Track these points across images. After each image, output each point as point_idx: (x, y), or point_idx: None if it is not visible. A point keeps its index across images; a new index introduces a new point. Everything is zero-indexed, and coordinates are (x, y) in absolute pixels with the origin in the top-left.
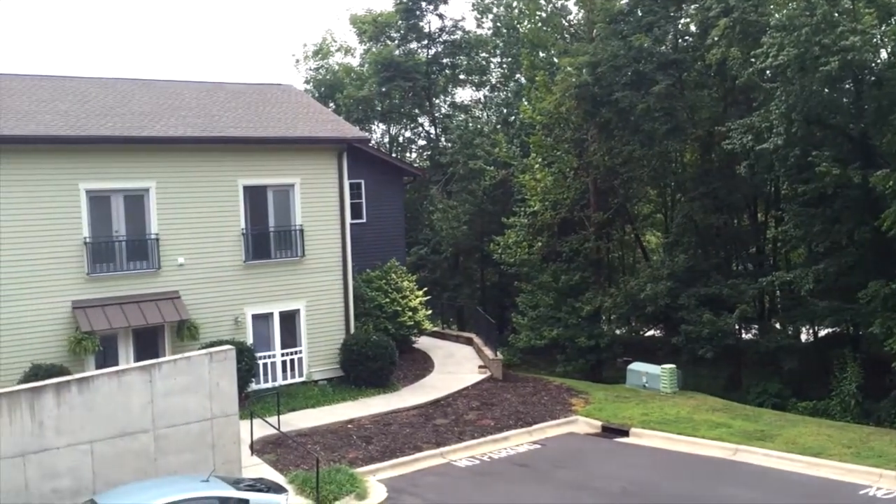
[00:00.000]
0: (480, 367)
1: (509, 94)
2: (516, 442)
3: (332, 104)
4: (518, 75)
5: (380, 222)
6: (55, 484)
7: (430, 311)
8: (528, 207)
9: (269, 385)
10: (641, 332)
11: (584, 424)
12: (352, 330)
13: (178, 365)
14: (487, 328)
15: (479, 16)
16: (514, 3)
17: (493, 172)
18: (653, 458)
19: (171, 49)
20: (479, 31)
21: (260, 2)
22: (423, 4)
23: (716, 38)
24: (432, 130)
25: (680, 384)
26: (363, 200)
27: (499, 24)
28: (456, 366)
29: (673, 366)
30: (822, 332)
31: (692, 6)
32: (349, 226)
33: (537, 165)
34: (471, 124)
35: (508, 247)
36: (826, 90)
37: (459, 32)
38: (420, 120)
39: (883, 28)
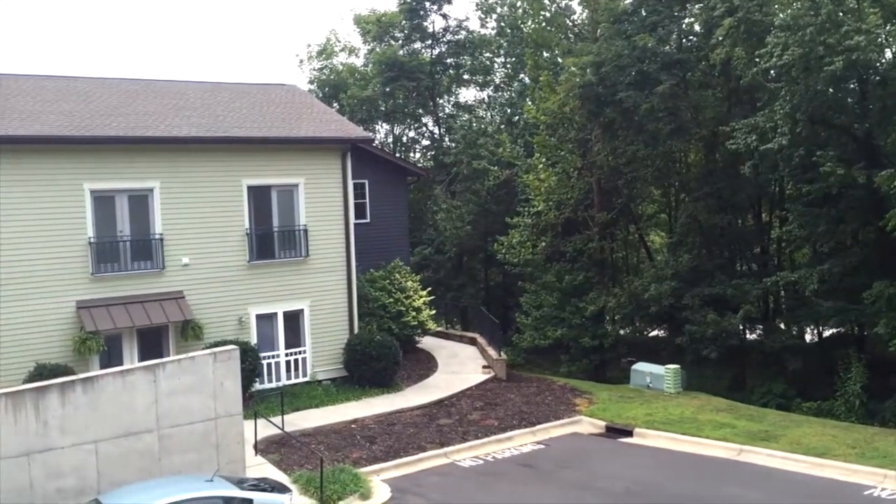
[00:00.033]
0: (484, 367)
1: (513, 94)
2: (520, 442)
3: (335, 104)
4: (522, 75)
5: (383, 222)
6: (60, 483)
7: (433, 311)
8: (531, 207)
9: (273, 385)
10: (645, 333)
11: (587, 424)
12: (356, 330)
13: (182, 365)
14: (491, 328)
15: (482, 16)
16: (518, 3)
17: (497, 172)
18: (657, 459)
19: (176, 49)
20: (483, 31)
21: (264, 2)
22: (427, 4)
23: (720, 38)
24: (436, 130)
25: (684, 384)
26: (367, 200)
27: (502, 23)
28: (460, 366)
29: (677, 366)
30: (827, 333)
31: (696, 6)
32: (353, 226)
33: (541, 165)
34: (474, 124)
35: (512, 247)
36: (830, 90)
37: (463, 32)
38: (424, 120)
39: (888, 28)
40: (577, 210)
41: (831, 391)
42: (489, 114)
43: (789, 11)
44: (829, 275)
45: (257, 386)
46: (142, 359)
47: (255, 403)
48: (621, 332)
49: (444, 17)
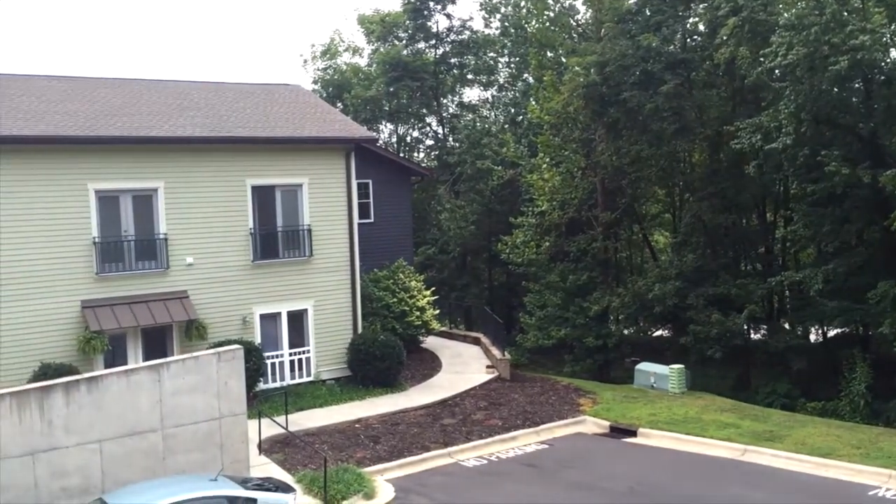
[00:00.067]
0: (488, 366)
1: (517, 94)
2: (524, 442)
3: (339, 104)
4: (526, 75)
5: (387, 222)
6: (64, 483)
7: (437, 311)
8: (535, 207)
9: (277, 384)
10: (649, 333)
11: (592, 424)
12: (359, 330)
13: (186, 364)
14: (495, 328)
15: (486, 15)
16: (522, 3)
17: (501, 172)
18: (661, 459)
19: (180, 49)
20: (487, 31)
21: (268, 2)
22: (431, 4)
23: (724, 38)
24: (440, 130)
25: (688, 384)
26: (371, 200)
27: (506, 23)
28: (463, 366)
29: (681, 366)
30: (832, 333)
31: (701, 5)
32: (357, 225)
33: (545, 165)
34: (478, 124)
35: (516, 246)
36: (835, 89)
37: (467, 32)
38: (428, 120)
39: (892, 27)
40: (581, 210)
41: (836, 391)
42: (493, 114)
43: (794, 11)
44: (833, 274)
45: (261, 385)
46: (146, 358)
47: (259, 403)
48: (625, 331)
49: (448, 16)
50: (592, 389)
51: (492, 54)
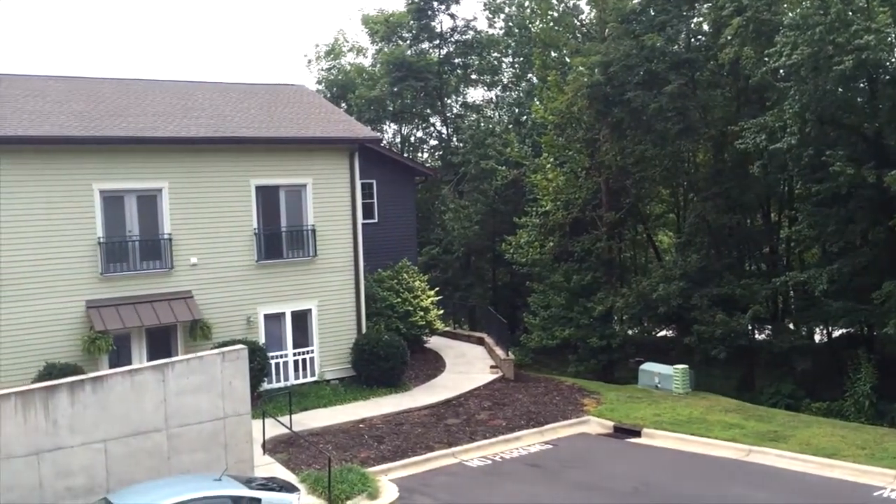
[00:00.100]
0: (492, 367)
1: (521, 94)
2: (528, 442)
3: (343, 104)
4: (530, 75)
5: (391, 222)
6: (69, 482)
7: (441, 311)
8: (539, 207)
9: (282, 384)
10: (654, 333)
11: (595, 425)
12: (363, 330)
13: (190, 364)
14: (499, 328)
15: (490, 16)
16: (526, 3)
17: (505, 172)
18: (665, 459)
19: (184, 50)
20: (491, 31)
21: (272, 2)
22: (435, 4)
23: (729, 38)
24: (444, 130)
25: (692, 385)
26: (375, 200)
27: (510, 23)
28: (467, 366)
29: (685, 366)
30: (836, 333)
31: (705, 5)
32: (361, 226)
33: (549, 165)
34: (482, 124)
35: (520, 246)
36: (840, 89)
37: (471, 32)
38: (432, 120)
39: None
40: (585, 210)
41: (840, 392)
42: (497, 114)
43: (798, 10)
44: (838, 275)
45: (265, 385)
46: (150, 358)
47: (264, 403)
48: (629, 332)
49: (452, 17)
50: (596, 390)
51: (496, 54)
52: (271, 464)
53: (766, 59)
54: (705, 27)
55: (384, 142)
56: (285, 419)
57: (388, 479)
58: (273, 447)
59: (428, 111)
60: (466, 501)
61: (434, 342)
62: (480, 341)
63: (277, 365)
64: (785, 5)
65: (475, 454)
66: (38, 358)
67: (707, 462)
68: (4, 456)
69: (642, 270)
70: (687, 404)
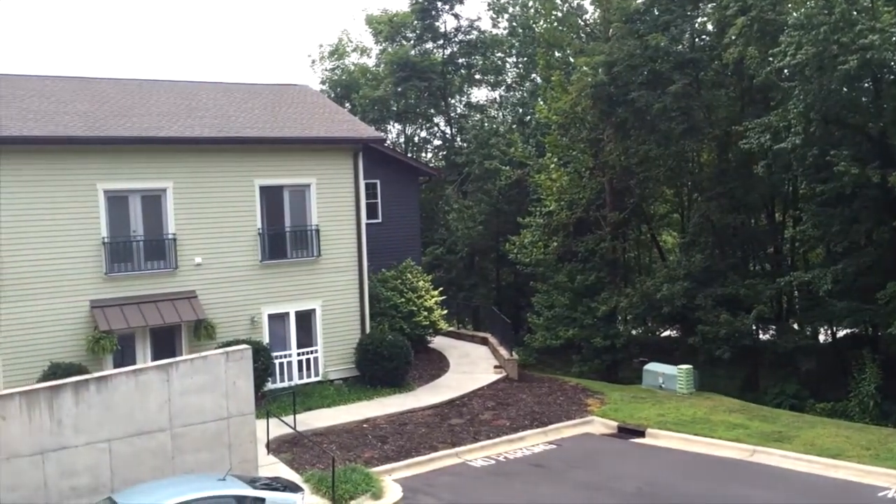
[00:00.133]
0: (496, 367)
1: (525, 94)
2: (532, 442)
3: (347, 104)
4: (534, 75)
5: (395, 222)
6: (73, 482)
7: (445, 311)
8: (543, 207)
9: (286, 384)
10: (658, 333)
11: (599, 425)
12: (367, 330)
13: (194, 364)
14: (503, 328)
15: (494, 15)
16: (530, 3)
17: (509, 172)
18: (669, 459)
19: (188, 50)
20: (495, 31)
21: (276, 2)
22: (439, 4)
23: (733, 37)
24: (448, 130)
25: (696, 385)
26: (379, 200)
27: (514, 23)
28: (471, 366)
29: (689, 366)
30: (841, 333)
31: (709, 5)
32: (365, 226)
33: (553, 165)
34: (486, 124)
35: (524, 247)
36: (844, 89)
37: (475, 32)
38: (436, 120)
39: None
40: (589, 210)
41: (845, 392)
42: (501, 114)
43: (803, 10)
44: (842, 275)
45: (269, 385)
46: (155, 358)
47: (268, 403)
48: (633, 332)
49: (456, 16)
50: (600, 390)
51: (500, 54)
52: (275, 463)
53: (771, 58)
54: (709, 27)
55: (388, 142)
56: (289, 419)
57: (391, 479)
58: (277, 447)
59: (432, 111)
60: (470, 501)
61: (438, 342)
62: (484, 341)
63: (281, 365)
64: (789, 5)
65: (479, 454)
66: (42, 358)
67: (711, 462)
68: (9, 455)
69: (646, 270)
70: (691, 404)
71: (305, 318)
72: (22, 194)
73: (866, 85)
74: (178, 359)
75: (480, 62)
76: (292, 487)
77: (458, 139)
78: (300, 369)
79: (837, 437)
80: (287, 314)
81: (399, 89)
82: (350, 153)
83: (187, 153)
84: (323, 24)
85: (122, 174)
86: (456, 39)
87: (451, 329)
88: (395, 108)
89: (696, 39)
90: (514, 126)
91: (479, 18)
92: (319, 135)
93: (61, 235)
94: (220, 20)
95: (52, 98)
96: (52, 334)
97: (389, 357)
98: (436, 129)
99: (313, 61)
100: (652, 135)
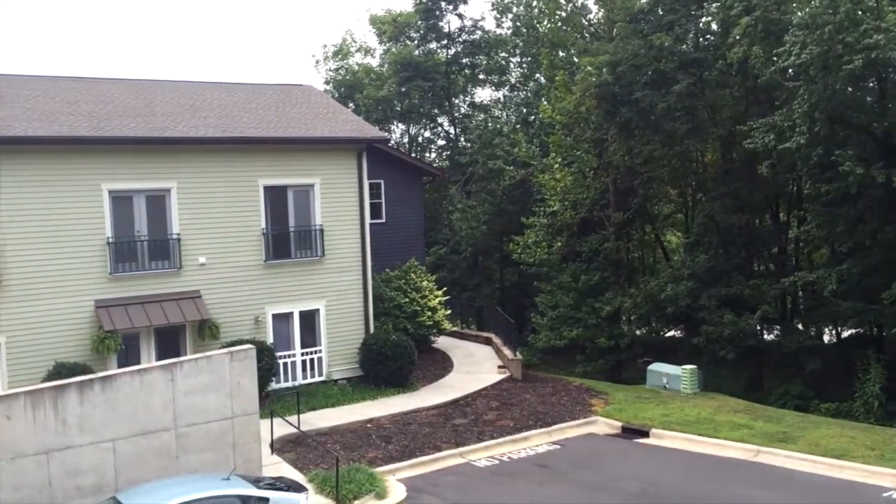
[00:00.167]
0: (500, 367)
1: (529, 94)
2: (536, 442)
3: (351, 104)
4: (538, 75)
5: (399, 222)
6: (78, 481)
7: (449, 311)
8: (547, 207)
9: (290, 384)
10: (662, 333)
11: (603, 425)
12: (371, 329)
13: (199, 364)
14: (507, 328)
15: (498, 15)
16: (534, 3)
17: (513, 172)
18: (673, 460)
19: (192, 50)
20: (499, 31)
21: (280, 2)
22: (443, 4)
23: (737, 37)
24: (452, 130)
25: (701, 385)
26: (383, 200)
27: (518, 23)
28: (475, 366)
29: (694, 366)
30: (846, 333)
31: (714, 5)
32: (369, 225)
33: (557, 165)
34: (490, 124)
35: (528, 247)
36: (849, 89)
37: (479, 32)
38: (439, 120)
39: None
40: (593, 210)
41: (850, 392)
42: (505, 114)
43: (807, 10)
44: (847, 275)
45: (273, 385)
46: (159, 358)
47: (272, 402)
48: (637, 332)
49: (460, 16)
50: (604, 390)
51: (503, 54)
52: (279, 463)
53: (775, 58)
54: (714, 26)
55: (392, 142)
56: (293, 419)
57: (395, 479)
58: (281, 447)
59: (436, 111)
60: (474, 501)
61: (442, 342)
62: (488, 341)
63: (285, 365)
64: (794, 4)
65: (483, 454)
66: (47, 357)
67: (715, 463)
68: (14, 455)
69: (650, 270)
70: (695, 405)
71: (309, 318)
72: (27, 194)
73: (871, 84)
74: (182, 358)
75: (484, 62)
76: (296, 487)
77: (462, 139)
78: (304, 369)
79: (842, 438)
80: (291, 314)
81: (403, 89)
82: (354, 153)
83: (191, 153)
84: (327, 25)
85: (126, 174)
86: (460, 39)
87: (454, 329)
88: (398, 108)
89: (701, 39)
90: (518, 126)
91: (482, 18)
92: (323, 135)
93: (66, 235)
94: (225, 20)
95: (57, 98)
96: (56, 334)
97: (393, 357)
98: (439, 129)
99: (317, 61)
100: (656, 135)
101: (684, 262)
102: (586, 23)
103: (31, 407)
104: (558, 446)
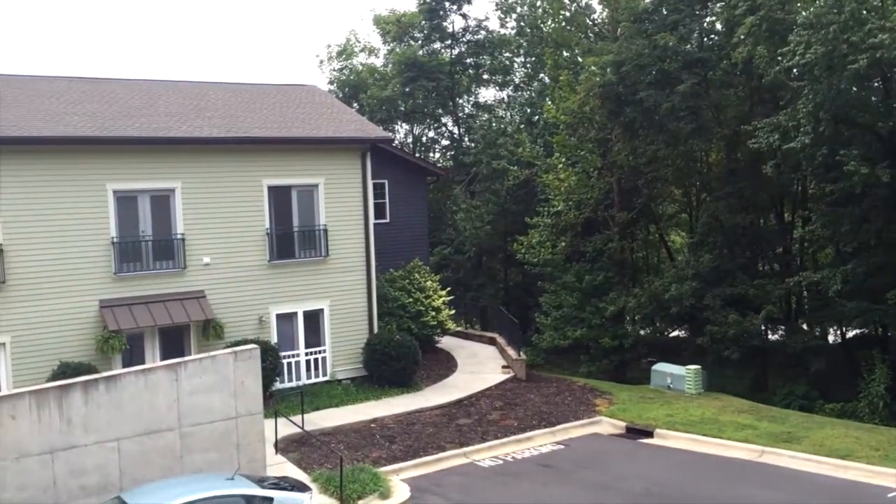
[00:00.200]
0: (504, 367)
1: (533, 94)
2: (540, 442)
3: (355, 104)
4: (542, 75)
5: (403, 222)
6: (83, 481)
7: (453, 311)
8: (551, 207)
9: (294, 384)
10: (666, 333)
11: (608, 425)
12: (375, 329)
13: (203, 364)
14: (511, 328)
15: (502, 15)
16: (538, 3)
17: (517, 172)
18: (677, 460)
19: (196, 50)
20: (503, 31)
21: (284, 3)
22: (447, 4)
23: (742, 37)
24: (456, 130)
25: (705, 385)
26: (387, 200)
27: (522, 23)
28: (479, 366)
29: (698, 367)
30: (850, 333)
31: (718, 4)
32: (373, 226)
33: (561, 165)
34: (494, 124)
35: (532, 247)
36: (854, 88)
37: (483, 32)
38: (443, 120)
39: None
40: (597, 210)
41: (854, 392)
42: (509, 113)
43: (812, 9)
44: (852, 275)
45: (278, 385)
46: (163, 358)
47: (276, 402)
48: (642, 332)
49: (464, 16)
50: (608, 390)
51: (507, 54)
52: (283, 463)
53: (780, 58)
54: (718, 26)
55: (396, 142)
56: (297, 419)
57: (399, 479)
58: (285, 446)
59: (440, 111)
60: (478, 501)
61: (446, 342)
62: (492, 341)
63: (289, 364)
64: (798, 4)
65: (487, 454)
66: (52, 357)
67: (720, 463)
68: (19, 454)
69: (654, 270)
70: (699, 405)
71: (313, 318)
72: (31, 194)
73: (876, 84)
74: (186, 358)
75: (488, 62)
76: (300, 487)
77: (466, 139)
78: (308, 369)
79: (847, 438)
80: (295, 314)
81: (407, 89)
82: (358, 153)
83: (196, 153)
84: (331, 25)
85: (130, 174)
86: (464, 39)
87: (458, 329)
88: (402, 109)
89: (705, 39)
90: (522, 126)
91: (486, 18)
92: (327, 135)
93: (70, 235)
94: (229, 21)
95: (61, 99)
96: (61, 334)
97: (397, 357)
98: (444, 129)
99: (321, 61)
100: (660, 134)
101: (688, 261)
102: (590, 23)
103: (35, 406)
104: (562, 446)
